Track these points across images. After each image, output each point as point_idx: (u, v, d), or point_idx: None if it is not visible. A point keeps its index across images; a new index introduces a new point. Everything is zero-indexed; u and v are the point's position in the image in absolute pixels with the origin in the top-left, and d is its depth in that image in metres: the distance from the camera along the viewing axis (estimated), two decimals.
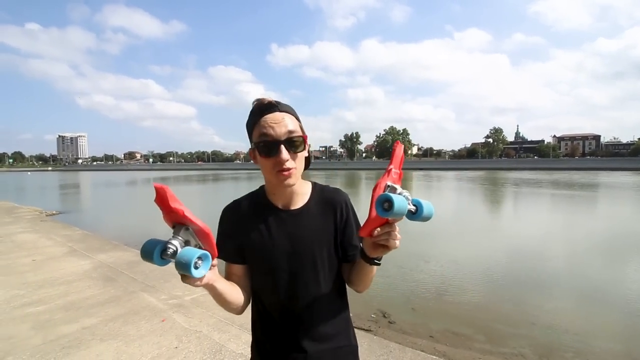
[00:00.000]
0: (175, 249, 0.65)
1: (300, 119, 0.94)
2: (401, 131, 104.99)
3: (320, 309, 0.94)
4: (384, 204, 0.67)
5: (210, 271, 0.73)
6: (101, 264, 5.04)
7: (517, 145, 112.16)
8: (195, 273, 0.65)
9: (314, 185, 1.01)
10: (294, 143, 0.86)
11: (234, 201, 1.00)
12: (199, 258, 0.66)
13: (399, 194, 0.70)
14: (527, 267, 6.01)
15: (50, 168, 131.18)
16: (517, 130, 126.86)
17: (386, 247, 0.77)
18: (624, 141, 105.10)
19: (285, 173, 0.86)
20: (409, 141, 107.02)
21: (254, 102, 0.90)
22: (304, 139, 0.89)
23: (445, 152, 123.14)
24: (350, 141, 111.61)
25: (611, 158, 75.78)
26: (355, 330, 1.08)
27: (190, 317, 3.21)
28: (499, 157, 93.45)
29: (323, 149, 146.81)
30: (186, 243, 0.68)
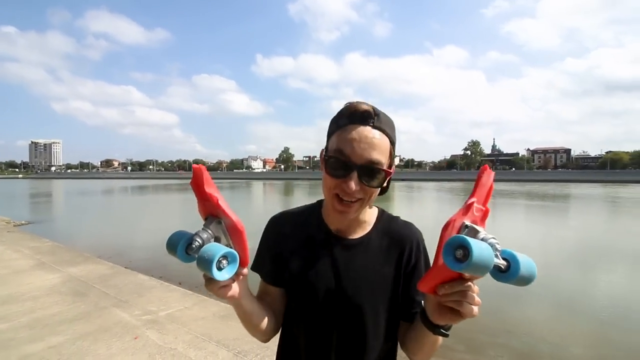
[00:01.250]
0: (201, 242, 0.57)
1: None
2: None
3: (368, 353, 0.76)
4: (456, 251, 0.48)
5: (239, 282, 0.64)
6: (71, 277, 4.79)
7: (493, 158, 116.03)
8: (217, 274, 0.55)
9: (382, 213, 0.83)
10: (372, 175, 0.68)
11: (283, 212, 0.86)
12: (224, 257, 0.56)
13: (482, 239, 0.51)
14: None
15: (21, 175, 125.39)
16: (494, 143, 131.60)
17: (457, 314, 0.58)
18: (593, 154, 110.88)
19: (345, 205, 0.70)
20: None
21: (347, 103, 0.73)
22: (386, 174, 0.70)
23: (425, 164, 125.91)
24: None
25: (581, 170, 79.88)
26: None
27: (164, 334, 3.08)
28: (476, 168, 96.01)
29: (307, 158, 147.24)
30: (215, 239, 0.59)
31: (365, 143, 0.67)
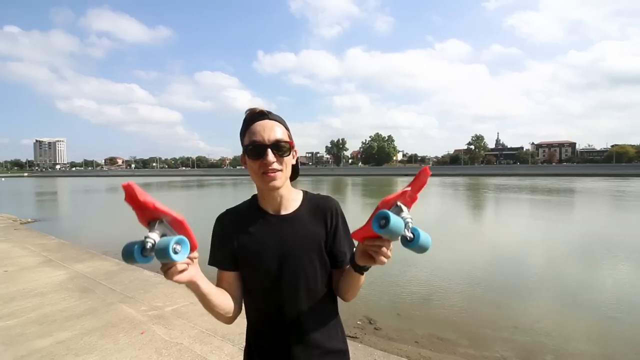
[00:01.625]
0: (153, 242, 0.64)
1: (289, 125, 0.99)
2: (386, 138, 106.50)
3: (311, 314, 0.95)
4: (380, 221, 0.67)
5: (192, 266, 0.74)
6: (78, 274, 4.85)
7: (497, 152, 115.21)
8: (175, 257, 0.65)
9: (305, 193, 1.04)
10: (281, 148, 0.91)
11: (227, 210, 1.03)
12: (177, 243, 0.65)
13: (403, 217, 0.69)
14: (508, 272, 6.14)
15: (26, 174, 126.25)
16: (498, 138, 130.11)
17: (372, 260, 0.79)
18: (598, 148, 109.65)
19: (271, 174, 0.90)
20: (394, 147, 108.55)
21: (246, 111, 0.95)
22: (290, 145, 0.94)
23: (429, 159, 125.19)
24: (336, 147, 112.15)
25: (586, 164, 78.99)
26: None
27: (170, 329, 3.12)
28: (480, 163, 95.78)
29: (310, 154, 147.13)
30: (162, 237, 0.67)
31: (268, 128, 0.91)
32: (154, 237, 0.65)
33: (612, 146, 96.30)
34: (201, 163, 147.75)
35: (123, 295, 3.98)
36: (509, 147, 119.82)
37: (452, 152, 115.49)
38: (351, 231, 0.91)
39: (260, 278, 0.94)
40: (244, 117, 0.96)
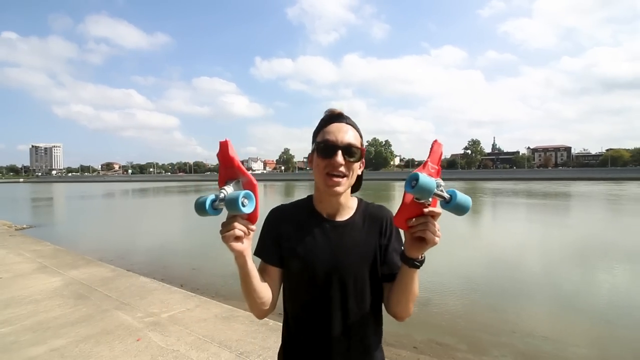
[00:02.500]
0: (226, 193, 0.72)
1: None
2: (384, 142, 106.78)
3: (356, 330, 0.90)
4: (412, 181, 0.69)
5: (246, 239, 0.77)
6: (73, 280, 4.80)
7: (494, 157, 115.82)
8: (243, 209, 0.70)
9: (360, 200, 1.02)
10: (352, 152, 0.89)
11: (280, 205, 1.01)
12: (245, 197, 0.70)
13: (437, 182, 0.71)
14: (506, 276, 6.14)
15: (21, 179, 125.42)
16: (494, 142, 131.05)
17: (424, 242, 0.76)
18: (593, 152, 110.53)
19: (335, 179, 0.88)
20: (392, 152, 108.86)
21: (326, 111, 0.95)
22: (361, 151, 0.92)
23: None
24: None
25: (582, 168, 79.45)
26: None
27: (167, 336, 3.09)
28: (477, 168, 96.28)
29: (307, 159, 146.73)
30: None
31: (344, 132, 0.90)
32: (228, 189, 0.72)
33: (607, 150, 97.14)
34: (198, 168, 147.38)
35: (119, 302, 3.94)
36: (505, 151, 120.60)
37: (449, 157, 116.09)
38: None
39: (305, 285, 0.91)
40: (322, 116, 0.95)
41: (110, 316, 3.54)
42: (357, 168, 0.93)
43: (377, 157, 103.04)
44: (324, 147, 0.89)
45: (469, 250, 8.35)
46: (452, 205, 0.72)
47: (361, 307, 0.91)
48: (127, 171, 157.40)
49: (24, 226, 12.06)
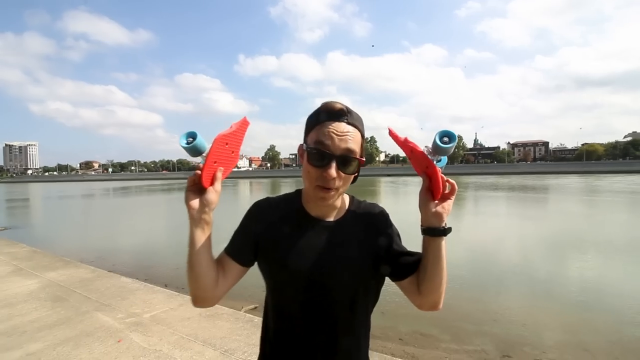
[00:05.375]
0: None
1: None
2: (369, 139, 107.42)
3: (342, 334, 0.83)
4: (443, 138, 0.73)
5: (206, 202, 0.76)
6: (50, 282, 4.63)
7: (475, 152, 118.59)
8: (183, 143, 0.75)
9: (352, 198, 0.92)
10: (348, 163, 0.78)
11: (266, 198, 0.92)
12: (190, 135, 0.76)
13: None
14: (487, 268, 6.30)
15: None
16: (476, 138, 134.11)
17: (443, 209, 0.80)
18: (569, 147, 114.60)
19: (326, 192, 0.78)
20: (377, 148, 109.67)
21: (324, 103, 0.81)
22: (359, 162, 0.80)
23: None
24: None
25: (559, 162, 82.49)
26: None
27: (149, 336, 3.02)
28: (460, 162, 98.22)
29: (293, 156, 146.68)
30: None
31: (342, 136, 0.77)
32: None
33: (583, 145, 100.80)
34: (182, 166, 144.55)
35: (99, 303, 3.83)
36: (486, 146, 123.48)
37: None
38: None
39: (290, 285, 0.83)
40: (319, 106, 0.82)
41: (89, 318, 3.44)
42: (352, 176, 0.82)
43: None
44: (316, 155, 0.77)
45: (450, 244, 8.52)
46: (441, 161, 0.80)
47: (349, 315, 0.83)
48: (107, 170, 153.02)
49: None
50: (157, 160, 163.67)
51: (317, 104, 0.85)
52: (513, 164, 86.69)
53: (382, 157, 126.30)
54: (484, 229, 10.59)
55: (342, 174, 0.78)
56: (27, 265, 5.61)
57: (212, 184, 0.77)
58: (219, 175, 0.78)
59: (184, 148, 0.75)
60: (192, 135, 0.75)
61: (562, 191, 23.58)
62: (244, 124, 0.81)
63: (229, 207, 15.80)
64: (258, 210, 0.89)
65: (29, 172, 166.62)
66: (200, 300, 0.82)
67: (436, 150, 0.75)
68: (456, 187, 0.80)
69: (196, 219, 0.76)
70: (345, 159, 0.77)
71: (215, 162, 0.77)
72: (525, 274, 5.98)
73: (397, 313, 4.33)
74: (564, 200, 18.09)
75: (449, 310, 4.38)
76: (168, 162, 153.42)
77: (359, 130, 0.81)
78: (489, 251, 7.63)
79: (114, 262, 6.82)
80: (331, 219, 0.87)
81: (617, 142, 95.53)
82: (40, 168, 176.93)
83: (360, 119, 0.83)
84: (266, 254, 0.85)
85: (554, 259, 6.91)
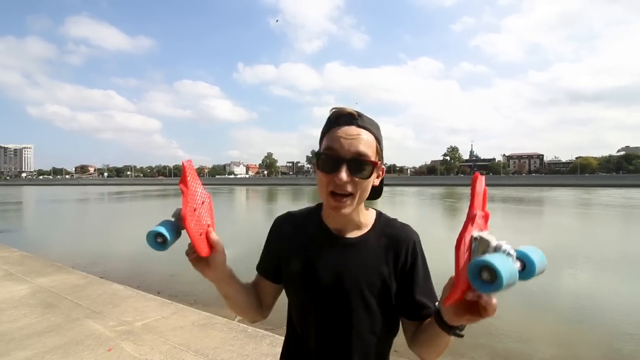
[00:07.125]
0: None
1: (380, 139, 0.79)
2: None
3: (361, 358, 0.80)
4: (482, 274, 0.47)
5: (214, 263, 0.73)
6: (41, 288, 4.56)
7: (471, 163, 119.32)
8: (156, 246, 0.67)
9: (379, 215, 0.85)
10: (360, 166, 0.72)
11: (288, 213, 0.91)
12: (159, 235, 0.67)
13: (497, 248, 0.50)
14: None
15: None
16: (472, 149, 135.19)
17: (477, 314, 0.58)
18: (564, 160, 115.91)
19: (339, 200, 0.73)
20: None
21: (332, 109, 0.78)
22: (373, 165, 0.74)
23: (407, 169, 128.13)
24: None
25: (553, 175, 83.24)
26: None
27: (140, 345, 2.97)
28: (455, 174, 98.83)
29: (291, 164, 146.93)
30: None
31: (351, 139, 0.73)
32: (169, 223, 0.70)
33: (577, 158, 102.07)
34: (179, 171, 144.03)
35: (90, 310, 3.77)
36: (482, 158, 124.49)
37: (428, 163, 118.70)
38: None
39: (304, 307, 0.82)
40: (329, 114, 0.78)
41: (80, 325, 3.38)
42: (370, 182, 0.76)
43: None
44: (325, 160, 0.73)
45: (444, 255, 8.50)
46: (528, 277, 0.51)
47: (362, 341, 0.79)
48: (102, 174, 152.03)
49: None
50: (153, 166, 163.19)
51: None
52: (508, 176, 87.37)
53: None
54: None
55: (356, 179, 0.72)
56: (18, 270, 5.52)
57: (210, 249, 0.72)
58: (212, 236, 0.72)
59: (156, 249, 0.68)
60: (160, 232, 0.66)
61: (557, 204, 23.74)
62: (188, 168, 0.70)
63: (225, 213, 15.70)
64: (279, 226, 0.89)
65: (23, 175, 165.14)
66: (252, 321, 0.90)
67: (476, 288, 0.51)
68: (490, 313, 0.57)
69: (214, 280, 0.77)
70: (356, 162, 0.72)
71: (200, 234, 0.70)
72: (520, 287, 5.96)
73: None
74: (559, 213, 18.20)
75: None
76: (164, 167, 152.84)
77: (372, 134, 0.76)
78: None
79: (107, 268, 6.73)
80: (352, 235, 0.81)
81: (610, 156, 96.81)
82: (34, 171, 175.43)
83: (374, 123, 0.78)
84: (284, 271, 0.85)
85: (548, 272, 6.87)
